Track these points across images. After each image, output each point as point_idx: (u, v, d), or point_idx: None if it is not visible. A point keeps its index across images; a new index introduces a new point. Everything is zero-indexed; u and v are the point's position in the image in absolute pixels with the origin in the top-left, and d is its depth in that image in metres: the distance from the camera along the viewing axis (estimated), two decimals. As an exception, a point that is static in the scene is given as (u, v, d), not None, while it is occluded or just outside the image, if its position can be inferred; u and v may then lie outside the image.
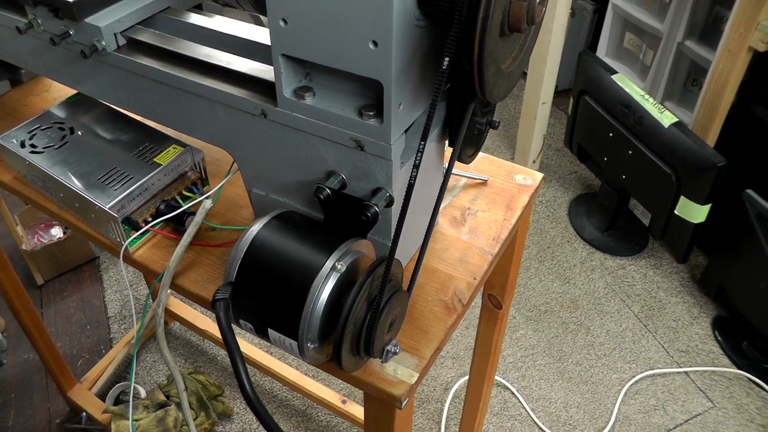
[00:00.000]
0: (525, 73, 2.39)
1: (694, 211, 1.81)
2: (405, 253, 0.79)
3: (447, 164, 0.64)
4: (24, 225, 2.16)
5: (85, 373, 1.86)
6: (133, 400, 1.77)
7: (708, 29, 2.07)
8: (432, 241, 0.85)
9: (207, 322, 1.89)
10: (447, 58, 0.50)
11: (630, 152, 1.96)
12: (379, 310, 0.60)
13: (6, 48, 0.94)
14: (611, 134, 2.03)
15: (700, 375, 1.84)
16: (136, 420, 1.70)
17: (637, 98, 1.91)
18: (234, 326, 0.65)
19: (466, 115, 0.63)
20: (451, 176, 0.92)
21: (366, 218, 0.65)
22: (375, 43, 0.55)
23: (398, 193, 0.68)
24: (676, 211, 1.86)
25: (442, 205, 0.89)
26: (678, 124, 1.81)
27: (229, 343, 0.61)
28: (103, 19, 0.77)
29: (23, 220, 2.16)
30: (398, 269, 0.67)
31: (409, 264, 0.81)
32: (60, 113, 0.95)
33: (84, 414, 1.79)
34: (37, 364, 1.94)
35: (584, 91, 2.14)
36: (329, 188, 0.67)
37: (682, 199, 1.82)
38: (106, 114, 0.94)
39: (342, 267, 0.61)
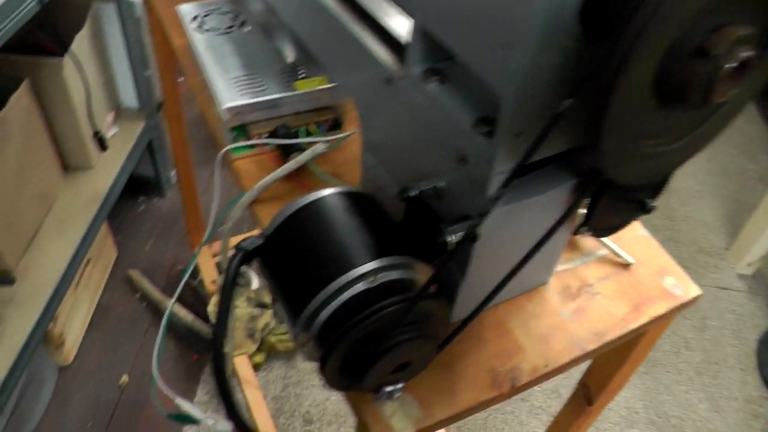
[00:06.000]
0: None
1: None
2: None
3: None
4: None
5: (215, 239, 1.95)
6: (241, 287, 1.84)
7: None
8: (526, 300, 0.71)
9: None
10: (569, 100, 0.37)
11: None
12: (382, 347, 0.50)
13: None
14: None
15: None
16: (236, 307, 1.77)
17: None
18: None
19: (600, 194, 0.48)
20: (593, 242, 0.76)
21: (435, 243, 0.54)
22: (508, 47, 0.43)
23: (489, 232, 0.56)
24: None
25: (564, 267, 0.75)
26: None
27: (225, 296, 0.55)
28: None
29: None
30: (443, 312, 0.55)
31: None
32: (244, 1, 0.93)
33: (200, 278, 1.89)
34: (187, 209, 2.06)
35: None
36: (417, 191, 0.57)
37: None
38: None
39: (375, 281, 0.52)
